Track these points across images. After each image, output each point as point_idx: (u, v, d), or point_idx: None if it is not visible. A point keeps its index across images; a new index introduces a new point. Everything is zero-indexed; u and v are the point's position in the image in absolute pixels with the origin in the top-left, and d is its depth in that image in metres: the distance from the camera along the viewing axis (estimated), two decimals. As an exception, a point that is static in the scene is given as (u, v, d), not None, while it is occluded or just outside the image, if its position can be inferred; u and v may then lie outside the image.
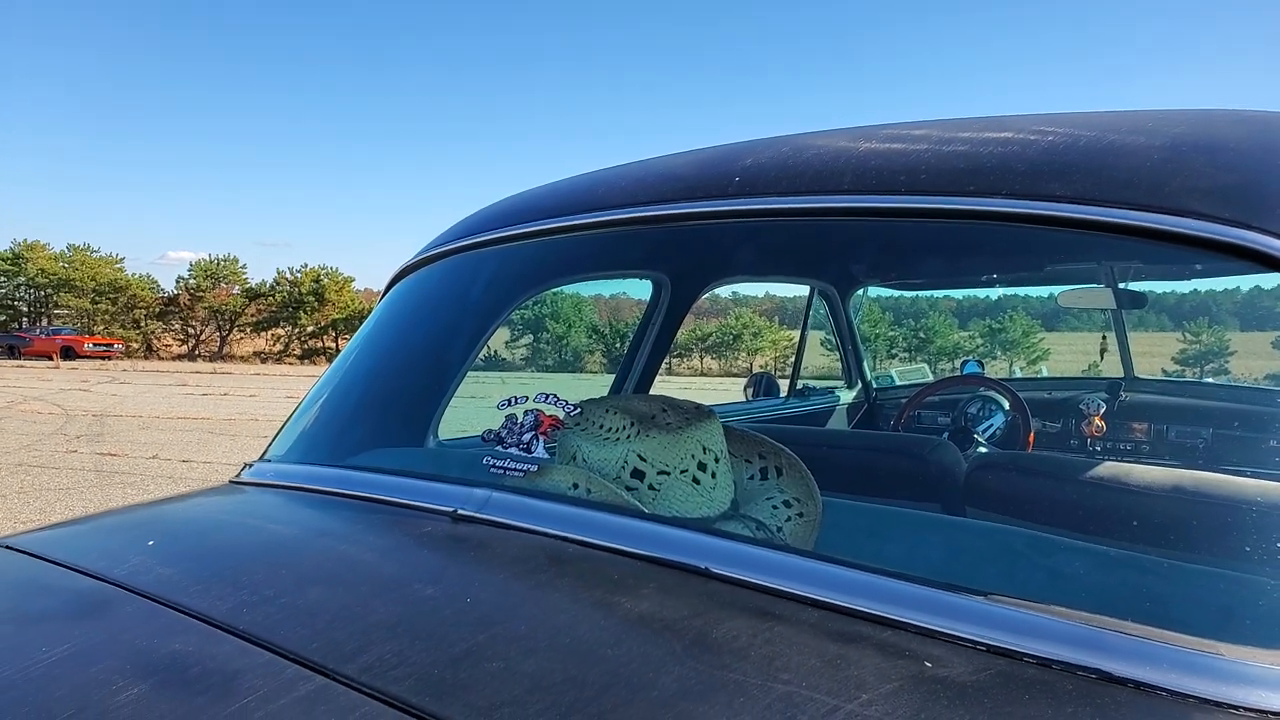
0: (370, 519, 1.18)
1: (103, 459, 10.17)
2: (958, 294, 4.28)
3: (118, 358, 41.31)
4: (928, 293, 4.11)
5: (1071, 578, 0.97)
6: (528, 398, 1.20)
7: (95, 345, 41.02)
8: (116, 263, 52.75)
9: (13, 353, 40.57)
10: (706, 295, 2.97)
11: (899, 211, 1.17)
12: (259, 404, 18.38)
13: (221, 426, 13.96)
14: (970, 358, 3.77)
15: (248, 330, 51.23)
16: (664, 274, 2.51)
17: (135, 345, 47.68)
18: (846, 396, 3.77)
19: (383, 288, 1.85)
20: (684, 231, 1.71)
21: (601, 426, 1.16)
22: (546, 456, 1.16)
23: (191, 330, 50.97)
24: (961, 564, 1.05)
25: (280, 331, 50.24)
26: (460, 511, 1.11)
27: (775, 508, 1.16)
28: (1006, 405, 3.21)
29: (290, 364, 44.90)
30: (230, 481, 1.52)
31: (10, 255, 50.55)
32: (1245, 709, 0.69)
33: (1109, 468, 1.67)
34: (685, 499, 1.10)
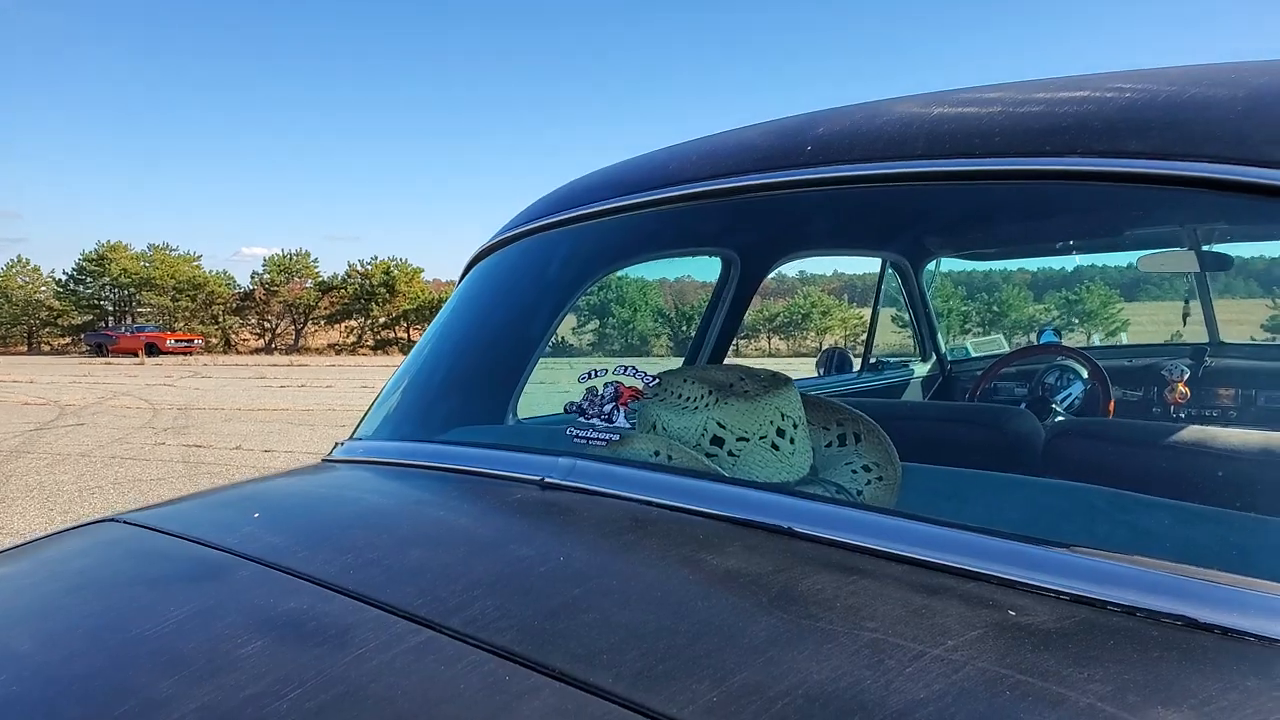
0: (462, 488, 1.23)
1: (189, 450, 10.57)
2: (1033, 264, 4.19)
3: (198, 353, 42.74)
4: (1001, 263, 4.04)
5: (1154, 532, 0.97)
6: (607, 370, 1.23)
7: (177, 342, 42.49)
8: (194, 260, 54.54)
9: (100, 350, 42.27)
10: (774, 275, 2.96)
11: (974, 174, 1.16)
12: (335, 394, 18.85)
13: (300, 417, 14.36)
14: (1047, 327, 3.69)
15: (321, 323, 52.52)
16: (734, 250, 2.52)
17: (214, 340, 49.28)
18: (921, 370, 3.73)
19: (461, 270, 1.90)
20: (756, 203, 1.72)
21: (680, 396, 1.19)
22: (628, 426, 1.20)
23: (267, 324, 52.44)
24: (1043, 521, 1.06)
25: (353, 323, 51.39)
26: (548, 479, 1.15)
27: (855, 472, 1.18)
28: (1085, 374, 3.14)
29: (364, 355, 45.90)
30: (323, 460, 1.59)
31: (95, 256, 52.59)
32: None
33: (1192, 431, 1.64)
34: (765, 464, 1.12)
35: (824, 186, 1.29)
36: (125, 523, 1.20)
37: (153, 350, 40.31)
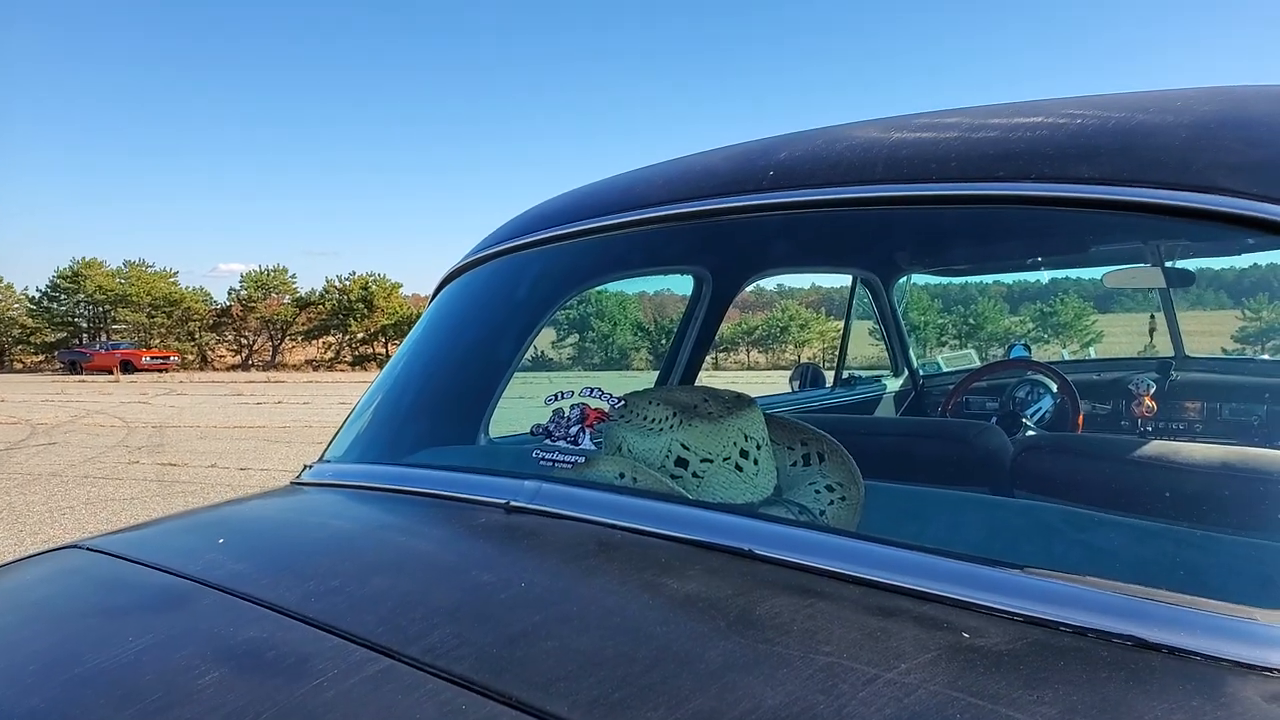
0: (427, 513, 1.23)
1: (164, 469, 10.46)
2: (1001, 279, 4.25)
3: (174, 370, 42.38)
4: (970, 279, 4.09)
5: (1107, 551, 0.99)
6: (573, 392, 1.24)
7: (152, 359, 42.12)
8: (171, 277, 54.09)
9: (74, 368, 41.81)
10: (751, 288, 2.98)
11: (931, 199, 1.18)
12: (312, 411, 18.73)
13: (277, 434, 14.25)
14: (1017, 342, 3.74)
15: (299, 339, 52.19)
16: (705, 269, 2.54)
17: (191, 357, 48.87)
18: (893, 385, 3.76)
19: (431, 291, 1.90)
20: (722, 226, 1.73)
21: (645, 418, 1.20)
22: (593, 448, 1.21)
23: (244, 340, 52.06)
24: (1000, 541, 1.08)
25: (331, 339, 51.12)
26: (513, 503, 1.16)
27: (818, 492, 1.19)
28: (1054, 388, 3.18)
29: (342, 371, 45.64)
30: (291, 483, 1.58)
31: (70, 273, 52.05)
32: (1278, 671, 0.71)
33: (1156, 446, 1.67)
34: (729, 485, 1.13)
35: (785, 210, 1.31)
36: (87, 549, 1.19)
37: (128, 368, 39.93)
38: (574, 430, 1.21)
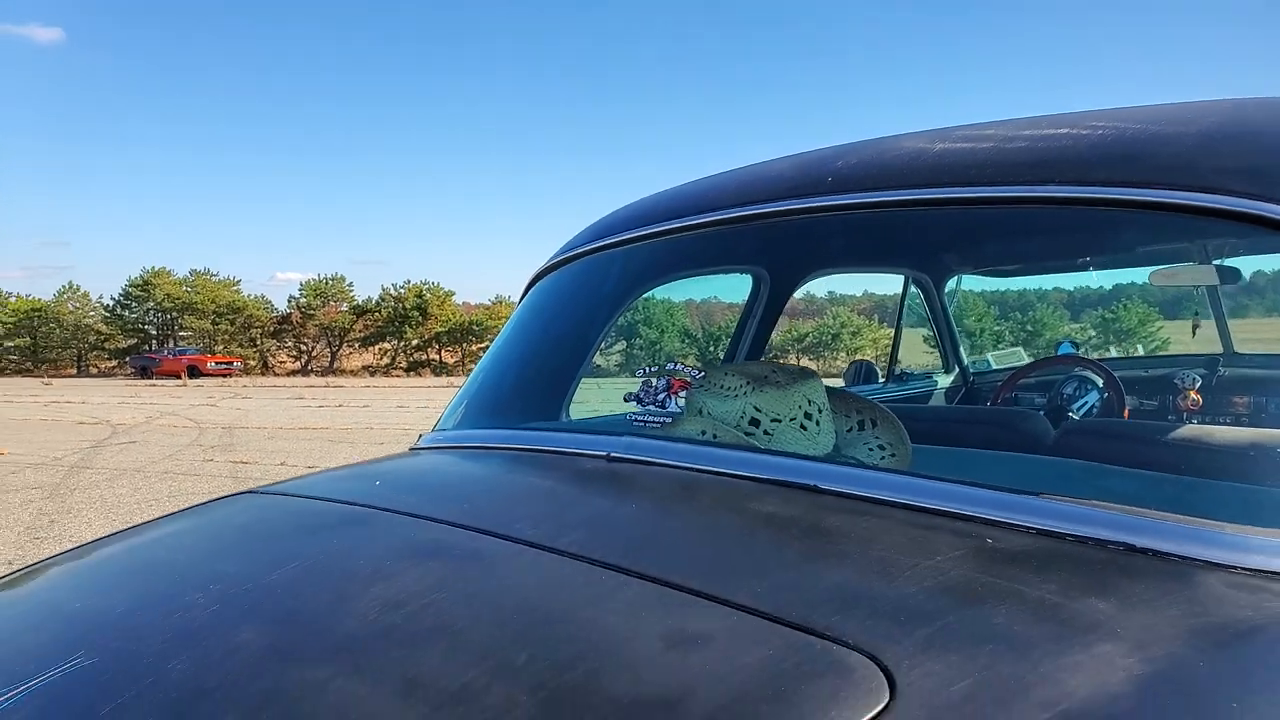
0: (539, 461, 1.46)
1: (236, 466, 10.92)
2: (1046, 280, 4.38)
3: (237, 375, 43.61)
4: (1016, 280, 4.23)
5: (1112, 490, 1.18)
6: (660, 366, 1.46)
7: (217, 364, 43.40)
8: (234, 285, 55.70)
9: (145, 373, 43.26)
10: (802, 296, 3.17)
11: (970, 200, 1.38)
12: (372, 414, 19.25)
13: (340, 435, 14.72)
14: (1066, 340, 3.87)
15: (356, 345, 53.32)
16: (764, 268, 2.74)
17: (253, 362, 50.22)
18: (944, 381, 3.92)
19: (523, 288, 2.14)
20: (783, 226, 1.94)
21: (722, 386, 1.42)
22: (678, 411, 1.43)
23: (304, 347, 53.34)
24: (1023, 482, 1.27)
25: (387, 346, 52.11)
26: (613, 454, 1.38)
27: (870, 450, 1.40)
28: (1101, 383, 3.32)
29: (397, 376, 46.47)
30: (410, 449, 1.83)
31: (140, 282, 53.89)
32: (1241, 569, 0.90)
33: (1192, 429, 1.83)
34: (794, 442, 1.34)
35: (842, 211, 1.52)
36: (261, 493, 1.44)
37: (194, 372, 41.21)
38: (662, 397, 1.43)
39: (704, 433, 1.38)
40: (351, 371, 50.22)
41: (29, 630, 1.01)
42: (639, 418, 1.43)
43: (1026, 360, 4.13)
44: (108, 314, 54.67)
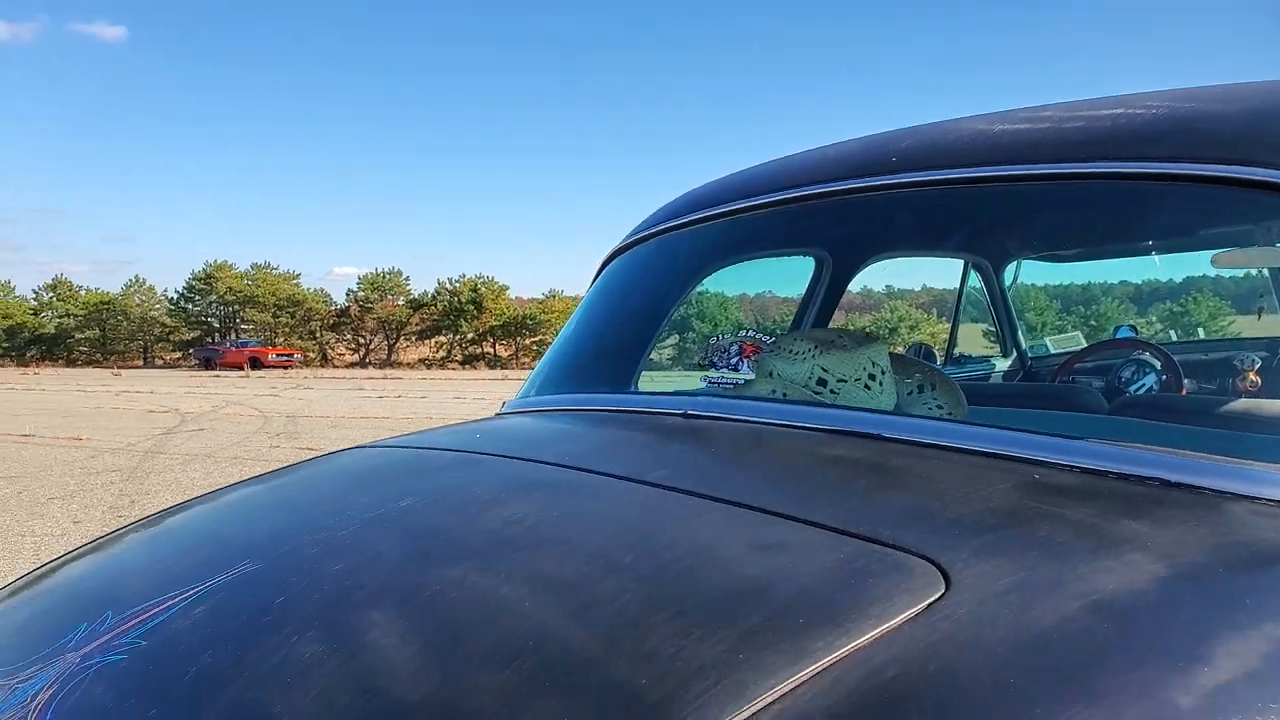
0: (620, 418, 1.59)
1: (302, 453, 11.26)
2: (1105, 268, 4.39)
3: (297, 367, 44.63)
4: (1077, 268, 4.25)
5: (1155, 441, 1.27)
6: (731, 333, 1.58)
7: (278, 356, 44.48)
8: (293, 279, 56.99)
9: (208, 364, 44.53)
10: (860, 289, 3.25)
11: (1027, 177, 1.48)
12: (430, 404, 19.63)
13: (400, 425, 15.06)
14: (1124, 324, 3.89)
15: (412, 338, 54.26)
16: (826, 251, 2.84)
17: (312, 355, 51.39)
18: (1002, 365, 3.97)
19: (597, 266, 2.28)
20: (847, 206, 2.04)
21: (791, 350, 1.53)
22: (750, 374, 1.54)
23: (362, 340, 54.42)
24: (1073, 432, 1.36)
25: (442, 339, 52.95)
26: (690, 411, 1.50)
27: (929, 410, 1.50)
28: (1159, 365, 3.35)
29: (453, 369, 47.17)
30: (496, 414, 1.97)
31: (203, 275, 55.43)
32: (1268, 500, 1.00)
33: (1243, 402, 1.90)
34: (859, 400, 1.45)
35: (903, 189, 1.61)
36: (369, 447, 1.59)
37: (256, 364, 42.30)
38: (734, 360, 1.55)
39: (774, 392, 1.49)
40: (408, 364, 51.09)
41: (197, 547, 1.17)
42: (712, 380, 1.55)
43: (1084, 345, 4.16)
44: (172, 307, 56.35)
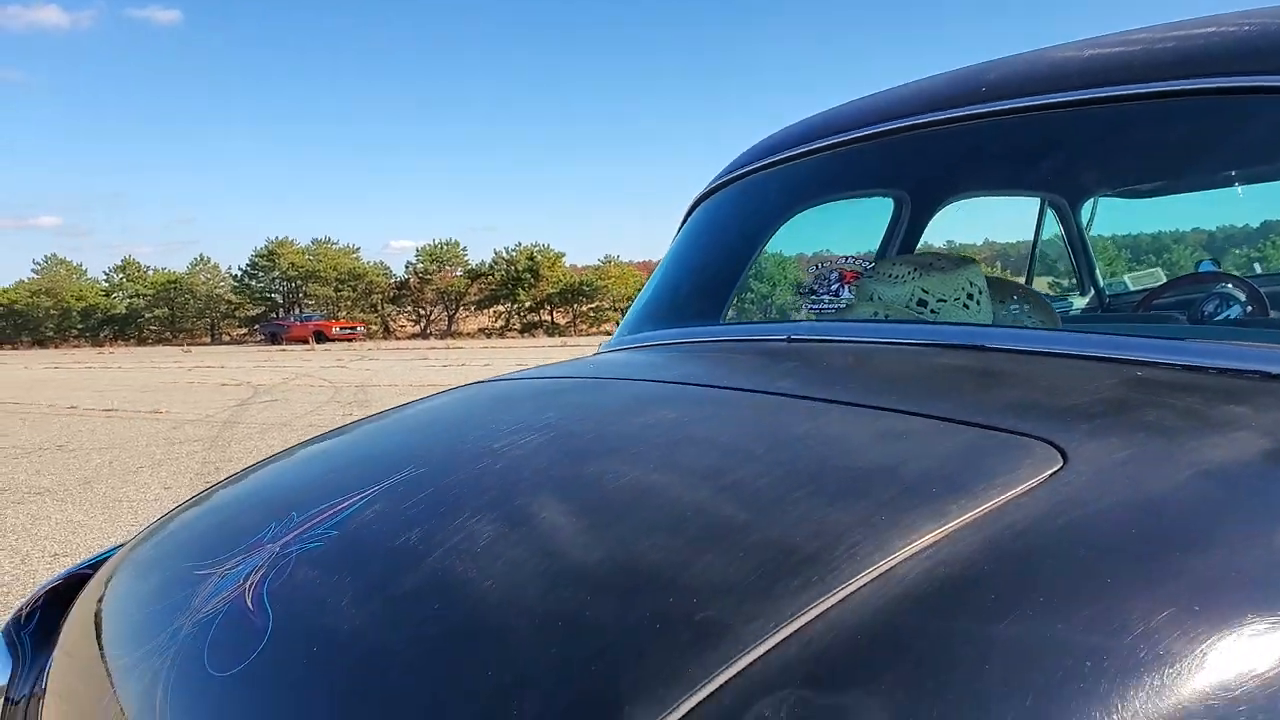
0: (726, 347, 1.68)
1: (376, 418, 11.58)
2: (1187, 207, 4.32)
3: (360, 339, 45.46)
4: (1158, 198, 4.19)
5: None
6: (831, 261, 1.65)
7: (341, 329, 45.32)
8: (353, 253, 57.91)
9: (274, 339, 45.60)
10: (923, 249, 3.28)
11: (1119, 98, 1.52)
12: (493, 371, 19.90)
13: (467, 390, 15.33)
14: (1206, 259, 3.85)
15: (471, 308, 54.84)
16: (905, 191, 2.87)
17: (375, 327, 52.29)
18: (1079, 303, 3.96)
19: (685, 210, 2.36)
20: (933, 139, 2.08)
21: (890, 274, 1.60)
22: (851, 298, 1.62)
23: (422, 311, 55.18)
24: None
25: (501, 308, 53.39)
26: (793, 336, 1.58)
27: (1025, 325, 1.56)
28: (1243, 297, 3.32)
29: (512, 338, 47.65)
30: (595, 352, 2.07)
31: (265, 252, 56.62)
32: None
33: None
34: (958, 318, 1.52)
35: (991, 118, 1.66)
36: (488, 382, 1.70)
37: (320, 337, 43.21)
38: (835, 286, 1.63)
39: (875, 314, 1.57)
40: (468, 334, 51.72)
41: (363, 459, 1.30)
42: (815, 305, 1.63)
43: (1164, 280, 4.12)
44: (236, 284, 57.72)
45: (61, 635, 1.39)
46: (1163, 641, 0.63)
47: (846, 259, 1.63)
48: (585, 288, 50.34)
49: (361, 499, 1.11)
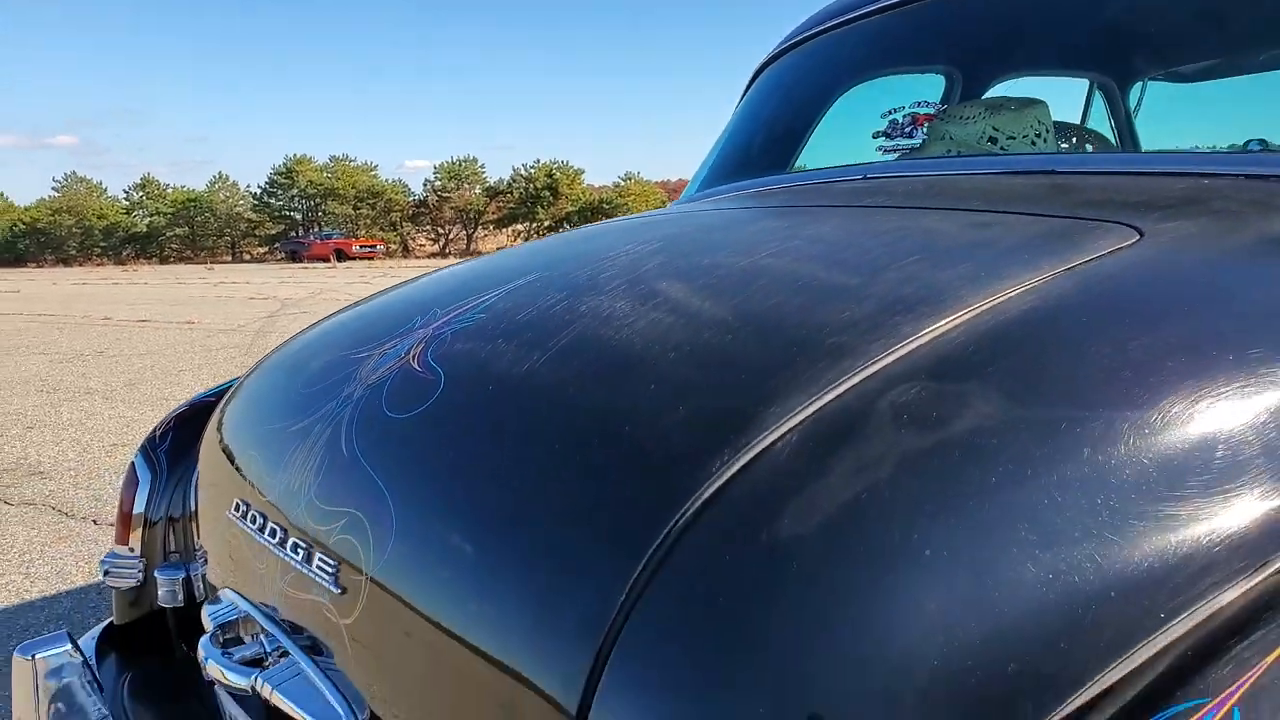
0: (803, 189, 1.78)
1: (407, 327, 11.76)
2: (1237, 81, 4.30)
3: (380, 258, 45.55)
4: (1205, 82, 4.18)
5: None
6: (904, 106, 1.74)
7: (362, 247, 45.36)
8: (371, 170, 57.58)
9: (295, 257, 45.75)
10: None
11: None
12: (517, 286, 20.01)
13: (493, 302, 15.47)
14: (1254, 140, 3.85)
15: (490, 227, 54.69)
16: (957, 67, 2.92)
17: (394, 246, 52.31)
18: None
19: (751, 74, 2.43)
20: (990, 6, 2.14)
21: (962, 116, 1.69)
22: (924, 138, 1.71)
23: (440, 230, 55.08)
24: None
25: (520, 226, 53.21)
26: (869, 175, 1.69)
27: (1089, 165, 1.66)
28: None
29: (531, 256, 47.45)
30: (671, 205, 2.18)
31: (284, 170, 56.38)
32: None
33: None
34: (1027, 151, 1.62)
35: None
36: (587, 226, 1.82)
37: (341, 255, 43.33)
38: (908, 129, 1.72)
39: (949, 151, 1.66)
40: (487, 253, 51.48)
41: (491, 271, 1.43)
42: (889, 146, 1.73)
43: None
44: (256, 202, 57.65)
45: (205, 436, 1.53)
46: (1223, 363, 0.76)
47: (918, 104, 1.72)
48: (605, 205, 50.00)
49: (499, 292, 1.24)
